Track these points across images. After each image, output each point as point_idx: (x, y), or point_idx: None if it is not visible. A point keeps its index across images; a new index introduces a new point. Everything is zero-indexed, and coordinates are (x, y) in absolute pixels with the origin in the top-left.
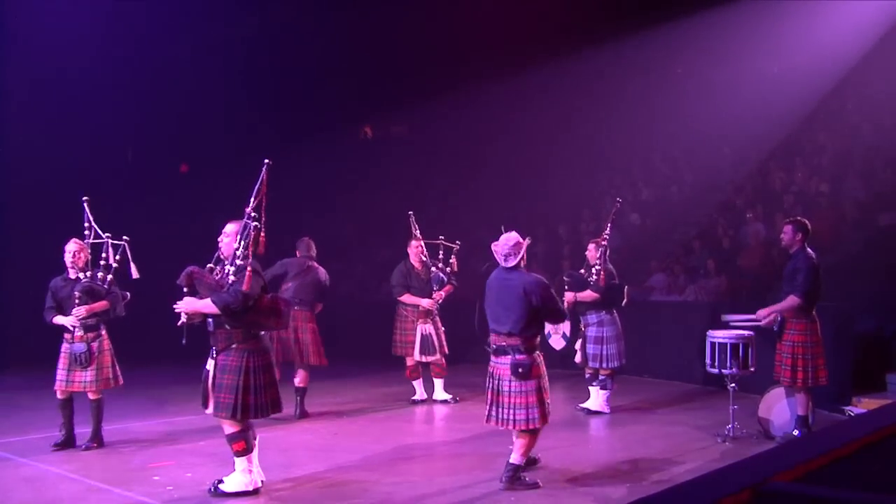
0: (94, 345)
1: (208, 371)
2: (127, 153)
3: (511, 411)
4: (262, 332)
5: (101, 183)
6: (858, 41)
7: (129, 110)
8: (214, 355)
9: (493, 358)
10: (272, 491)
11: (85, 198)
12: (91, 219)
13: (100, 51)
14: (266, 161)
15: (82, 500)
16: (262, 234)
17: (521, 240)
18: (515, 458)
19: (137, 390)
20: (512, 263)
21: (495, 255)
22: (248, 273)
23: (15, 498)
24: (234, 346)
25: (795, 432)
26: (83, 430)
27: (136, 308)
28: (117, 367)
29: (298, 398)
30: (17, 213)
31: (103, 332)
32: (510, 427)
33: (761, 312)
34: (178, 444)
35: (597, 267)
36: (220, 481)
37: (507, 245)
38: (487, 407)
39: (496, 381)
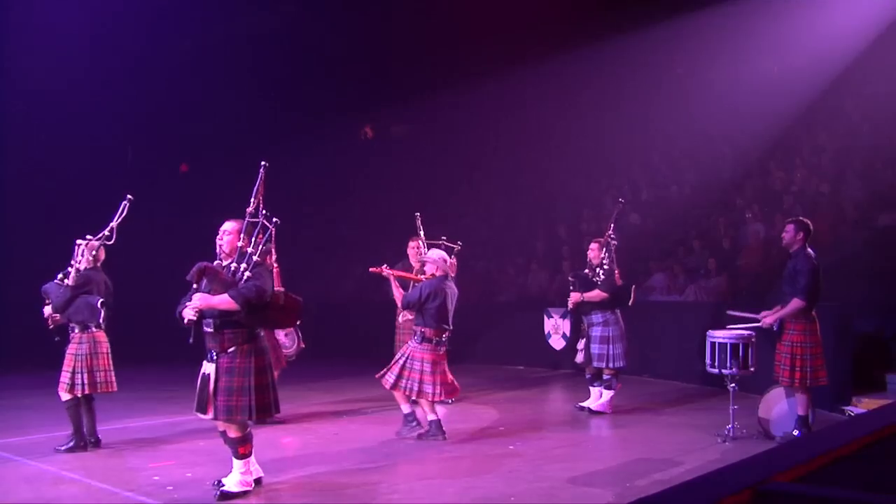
0: (68, 346)
1: (208, 375)
2: (127, 153)
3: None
4: (262, 333)
5: (101, 183)
6: (858, 41)
7: (128, 110)
8: (214, 358)
9: (435, 347)
10: (272, 491)
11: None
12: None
13: (100, 51)
14: (263, 163)
15: (82, 500)
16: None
17: None
18: (433, 416)
19: (137, 390)
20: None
21: (435, 268)
22: (276, 270)
23: (15, 498)
24: (235, 347)
25: (795, 432)
26: (103, 428)
27: (136, 307)
28: (77, 377)
29: None
30: (17, 213)
31: (73, 336)
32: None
33: (765, 314)
34: (178, 444)
35: (605, 266)
36: (222, 483)
37: (450, 261)
38: (409, 381)
39: (428, 364)
